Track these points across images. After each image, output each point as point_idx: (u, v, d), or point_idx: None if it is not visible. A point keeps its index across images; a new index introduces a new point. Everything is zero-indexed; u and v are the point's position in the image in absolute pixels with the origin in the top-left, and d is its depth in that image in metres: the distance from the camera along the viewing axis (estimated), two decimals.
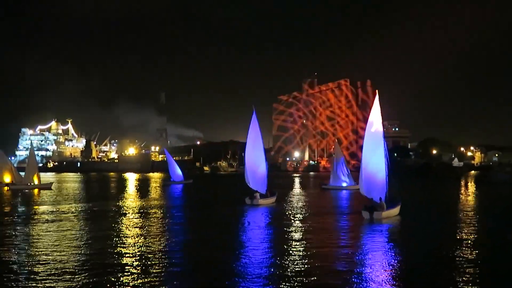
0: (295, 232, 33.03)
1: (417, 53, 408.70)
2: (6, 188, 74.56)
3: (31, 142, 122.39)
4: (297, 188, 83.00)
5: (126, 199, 60.17)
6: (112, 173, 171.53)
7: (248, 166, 51.78)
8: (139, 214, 42.81)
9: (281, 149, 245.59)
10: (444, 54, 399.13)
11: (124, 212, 44.89)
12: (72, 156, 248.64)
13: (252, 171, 51.58)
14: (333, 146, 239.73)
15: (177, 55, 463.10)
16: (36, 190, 73.36)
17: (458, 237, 30.90)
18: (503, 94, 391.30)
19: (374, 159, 40.49)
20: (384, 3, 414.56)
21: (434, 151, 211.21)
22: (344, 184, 74.49)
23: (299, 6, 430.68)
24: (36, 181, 77.61)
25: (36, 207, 49.43)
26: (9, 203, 54.37)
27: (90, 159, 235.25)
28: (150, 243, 28.28)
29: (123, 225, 36.21)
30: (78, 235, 31.46)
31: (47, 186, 79.20)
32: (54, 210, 46.09)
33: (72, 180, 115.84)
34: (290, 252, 25.85)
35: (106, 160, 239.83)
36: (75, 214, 43.08)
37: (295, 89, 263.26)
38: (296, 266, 22.53)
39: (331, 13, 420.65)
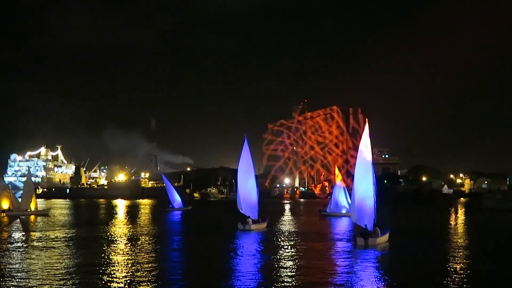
0: (285, 258, 33.06)
1: (406, 82, 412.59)
2: (3, 214, 74.03)
3: (29, 168, 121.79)
4: (288, 215, 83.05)
5: (116, 225, 59.86)
6: (101, 200, 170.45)
7: (241, 192, 53.04)
8: (130, 241, 42.65)
9: (276, 178, 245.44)
10: (432, 82, 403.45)
11: (114, 239, 44.71)
12: (62, 183, 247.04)
13: (244, 197, 52.94)
14: (323, 173, 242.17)
15: (166, 83, 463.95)
16: (32, 217, 72.82)
17: (448, 266, 31.10)
18: (490, 122, 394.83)
19: (363, 186, 41.25)
20: (373, 32, 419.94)
21: (424, 178, 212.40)
22: (344, 211, 74.47)
23: (289, 34, 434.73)
24: (33, 208, 77.09)
25: (30, 233, 49.17)
26: (2, 230, 53.98)
27: (79, 186, 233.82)
28: (139, 271, 28.22)
29: (113, 252, 36.07)
30: (69, 262, 31.33)
31: (44, 213, 78.74)
32: (51, 236, 45.87)
33: (61, 207, 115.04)
34: (280, 277, 25.93)
35: (96, 186, 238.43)
36: (72, 240, 42.88)
37: (285, 116, 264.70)
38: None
39: (320, 41, 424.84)
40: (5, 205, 76.49)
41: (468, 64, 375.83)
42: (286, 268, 29.35)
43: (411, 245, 40.81)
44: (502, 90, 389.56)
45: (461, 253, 35.90)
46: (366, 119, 43.10)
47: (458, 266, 30.44)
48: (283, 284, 24.59)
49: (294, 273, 27.54)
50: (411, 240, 44.48)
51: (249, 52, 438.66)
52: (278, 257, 33.60)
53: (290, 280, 25.60)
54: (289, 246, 39.35)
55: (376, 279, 26.64)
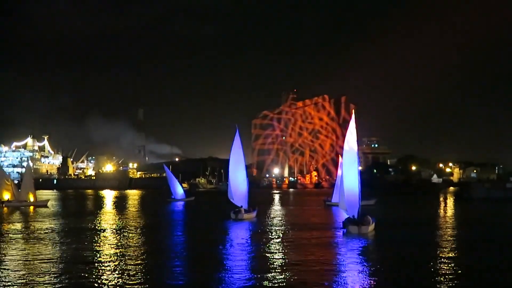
0: (276, 247, 33.17)
1: (396, 71, 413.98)
2: (2, 205, 73.67)
3: (28, 159, 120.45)
4: (278, 205, 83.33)
5: (105, 216, 59.74)
6: (89, 191, 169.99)
7: (232, 183, 54.54)
8: (118, 232, 42.55)
9: (263, 167, 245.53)
10: (423, 71, 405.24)
11: (103, 230, 44.60)
12: (49, 173, 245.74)
13: (235, 187, 54.53)
14: (312, 163, 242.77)
15: (153, 71, 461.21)
16: (32, 208, 72.59)
17: (434, 258, 31.35)
18: (479, 112, 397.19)
19: (350, 175, 42.09)
20: (364, 20, 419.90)
21: (414, 167, 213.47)
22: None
23: (279, 22, 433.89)
24: (32, 199, 76.87)
25: (30, 222, 48.95)
26: None
27: (66, 176, 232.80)
28: (130, 263, 28.18)
29: (102, 244, 35.99)
30: (56, 254, 31.22)
31: (43, 204, 78.58)
32: (53, 226, 45.67)
33: (49, 198, 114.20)
34: (272, 265, 26.06)
35: (83, 177, 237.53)
36: (59, 231, 42.70)
37: (275, 105, 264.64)
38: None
39: (311, 28, 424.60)
40: (7, 196, 76.15)
41: (459, 52, 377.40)
42: (282, 259, 29.41)
43: (396, 236, 41.02)
44: (491, 81, 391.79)
45: (448, 244, 36.12)
46: (352, 110, 43.63)
47: (446, 257, 30.63)
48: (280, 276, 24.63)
49: (288, 265, 27.61)
50: (397, 231, 44.69)
51: (239, 41, 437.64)
52: (277, 247, 33.66)
53: (285, 274, 25.64)
54: (277, 235, 39.47)
55: (364, 269, 26.76)
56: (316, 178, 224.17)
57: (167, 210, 73.78)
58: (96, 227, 47.24)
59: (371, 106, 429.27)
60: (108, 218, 57.97)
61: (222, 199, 68.74)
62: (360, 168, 78.94)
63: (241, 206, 54.01)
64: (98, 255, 30.49)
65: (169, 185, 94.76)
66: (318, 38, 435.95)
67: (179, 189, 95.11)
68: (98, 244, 35.31)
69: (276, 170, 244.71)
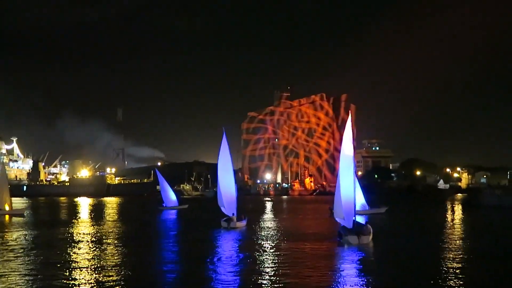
0: (269, 258, 33.25)
1: (398, 69, 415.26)
2: None
3: (2, 163, 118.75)
4: (269, 213, 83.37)
5: (79, 226, 59.52)
6: (62, 198, 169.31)
7: (222, 189, 55.05)
8: (95, 243, 42.47)
9: (256, 173, 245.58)
10: (428, 67, 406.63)
11: (77, 241, 44.50)
12: (18, 179, 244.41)
13: (226, 194, 55.12)
14: (308, 168, 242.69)
15: (133, 67, 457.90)
16: (7, 217, 72.04)
17: (440, 271, 31.54)
18: (491, 112, 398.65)
19: (346, 181, 42.33)
20: (364, 17, 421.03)
21: (418, 172, 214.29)
22: (357, 208, 73.79)
23: (271, 16, 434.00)
24: (7, 207, 76.11)
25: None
26: None
27: (38, 182, 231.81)
28: (107, 280, 28.18)
29: (76, 255, 35.92)
30: (28, 266, 31.17)
31: (20, 213, 78.29)
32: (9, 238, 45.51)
33: (18, 206, 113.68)
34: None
35: (56, 183, 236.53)
36: (30, 243, 42.57)
37: (267, 104, 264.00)
38: None
39: (307, 24, 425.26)
40: None
41: (469, 47, 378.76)
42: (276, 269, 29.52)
43: (400, 247, 41.20)
44: (504, 78, 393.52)
45: (457, 256, 36.25)
46: (350, 110, 44.04)
47: (454, 270, 30.80)
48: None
49: (280, 276, 27.73)
50: (401, 241, 44.89)
51: (229, 35, 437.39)
52: (273, 259, 33.75)
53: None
54: (268, 246, 39.55)
55: (362, 282, 26.91)
56: (312, 183, 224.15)
57: (156, 219, 73.98)
58: (70, 238, 47.09)
59: (371, 106, 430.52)
60: (84, 228, 57.74)
61: (213, 207, 68.72)
62: (360, 173, 79.41)
63: (233, 214, 54.54)
64: (73, 271, 30.42)
65: (160, 192, 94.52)
66: (313, 33, 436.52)
67: (171, 196, 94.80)
68: (72, 258, 35.20)
69: (268, 176, 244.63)
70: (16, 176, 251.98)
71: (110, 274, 28.72)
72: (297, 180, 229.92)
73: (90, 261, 33.44)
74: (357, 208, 73.56)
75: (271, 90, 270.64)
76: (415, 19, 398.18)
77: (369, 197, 78.73)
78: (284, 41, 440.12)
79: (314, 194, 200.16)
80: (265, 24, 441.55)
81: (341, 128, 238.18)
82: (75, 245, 41.77)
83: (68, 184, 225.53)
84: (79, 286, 25.54)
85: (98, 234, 50.00)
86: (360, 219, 63.55)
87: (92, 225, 61.60)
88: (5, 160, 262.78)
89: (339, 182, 42.94)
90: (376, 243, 41.14)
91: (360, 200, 73.37)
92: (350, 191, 42.00)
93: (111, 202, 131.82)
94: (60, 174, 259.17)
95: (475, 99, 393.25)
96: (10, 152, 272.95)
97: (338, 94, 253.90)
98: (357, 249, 38.03)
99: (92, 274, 28.62)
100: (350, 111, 42.44)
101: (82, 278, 27.50)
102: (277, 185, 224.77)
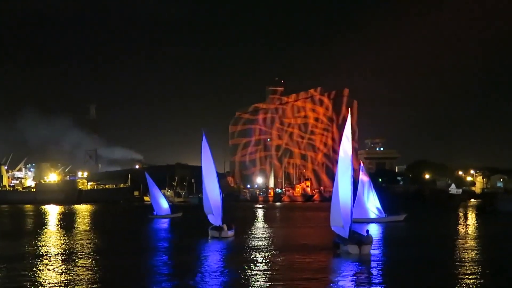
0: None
1: (405, 62, 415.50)
2: None
3: None
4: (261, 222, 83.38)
5: (47, 238, 59.24)
6: (28, 206, 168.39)
7: (209, 195, 55.77)
8: (65, 258, 42.26)
9: (251, 182, 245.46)
10: (436, 62, 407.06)
11: (44, 256, 44.26)
12: None
13: (212, 201, 55.68)
14: (304, 170, 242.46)
15: (106, 61, 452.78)
16: None
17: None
18: (506, 109, 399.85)
19: (343, 184, 42.51)
20: (369, 7, 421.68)
21: (427, 176, 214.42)
22: (373, 216, 73.51)
23: (262, 7, 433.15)
24: None
25: None
26: None
27: (0, 188, 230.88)
28: None
29: (44, 271, 35.70)
30: None
31: None
32: None
33: None
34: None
35: (21, 189, 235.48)
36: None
37: (258, 101, 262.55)
38: None
39: (303, 14, 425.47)
40: None
41: (480, 42, 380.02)
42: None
43: (410, 257, 41.28)
44: None
45: (471, 269, 36.30)
46: (351, 106, 43.94)
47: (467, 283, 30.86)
48: None
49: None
50: (410, 251, 44.99)
51: (215, 26, 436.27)
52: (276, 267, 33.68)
53: None
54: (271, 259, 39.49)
55: None
56: (309, 188, 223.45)
57: (143, 228, 74.24)
58: (37, 251, 46.84)
59: (374, 101, 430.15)
60: (52, 240, 57.48)
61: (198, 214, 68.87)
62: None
63: (223, 223, 55.23)
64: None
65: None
66: (309, 27, 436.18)
67: (163, 203, 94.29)
68: (39, 274, 34.97)
69: (259, 180, 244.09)
70: None
71: None
72: (291, 187, 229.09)
73: (58, 277, 33.21)
74: (373, 216, 74.30)
75: (262, 86, 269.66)
76: (429, 7, 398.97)
77: (385, 204, 78.56)
78: (276, 35, 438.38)
79: (312, 200, 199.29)
80: (257, 17, 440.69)
81: (342, 126, 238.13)
82: (42, 259, 41.51)
83: (35, 190, 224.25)
84: None
85: (68, 247, 49.74)
86: (375, 227, 64.28)
87: (62, 236, 61.25)
88: None
89: (336, 187, 42.90)
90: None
91: (375, 206, 73.37)
92: (345, 195, 41.97)
93: (83, 210, 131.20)
94: (26, 178, 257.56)
95: (491, 94, 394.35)
96: None
97: (339, 88, 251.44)
98: (360, 261, 37.98)
99: None
100: (350, 108, 42.17)
101: None
102: (268, 190, 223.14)
